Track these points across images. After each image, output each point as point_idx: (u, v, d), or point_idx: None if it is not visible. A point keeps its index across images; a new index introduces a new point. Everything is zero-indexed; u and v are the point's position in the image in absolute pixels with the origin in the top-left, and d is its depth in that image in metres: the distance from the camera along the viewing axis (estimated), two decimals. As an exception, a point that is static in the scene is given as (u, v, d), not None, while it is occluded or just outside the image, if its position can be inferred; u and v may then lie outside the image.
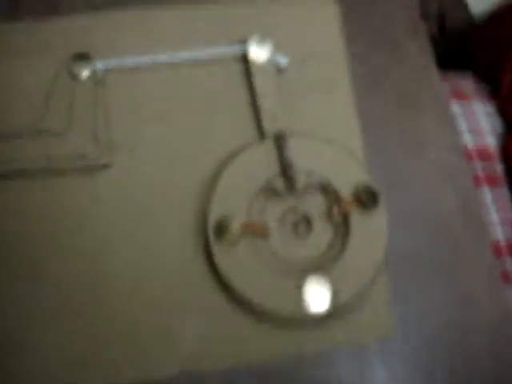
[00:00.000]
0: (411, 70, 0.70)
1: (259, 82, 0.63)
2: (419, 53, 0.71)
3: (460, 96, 0.85)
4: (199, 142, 0.63)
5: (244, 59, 0.65)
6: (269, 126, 0.61)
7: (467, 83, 0.88)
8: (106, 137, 0.61)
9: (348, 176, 0.60)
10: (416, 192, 0.65)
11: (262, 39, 0.63)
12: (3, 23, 0.67)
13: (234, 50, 0.64)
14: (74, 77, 0.62)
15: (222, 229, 0.57)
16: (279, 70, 0.65)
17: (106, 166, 0.61)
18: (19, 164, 0.60)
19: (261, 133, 0.62)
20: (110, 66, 0.63)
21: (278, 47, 0.64)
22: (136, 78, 0.64)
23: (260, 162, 0.60)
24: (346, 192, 0.60)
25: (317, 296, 0.56)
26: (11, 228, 0.60)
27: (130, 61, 0.64)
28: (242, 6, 0.68)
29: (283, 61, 0.64)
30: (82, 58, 0.63)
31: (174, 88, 0.64)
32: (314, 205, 0.61)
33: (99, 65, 0.63)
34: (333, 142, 0.61)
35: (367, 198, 0.59)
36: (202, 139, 0.63)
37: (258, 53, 0.63)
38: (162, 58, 0.64)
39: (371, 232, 0.59)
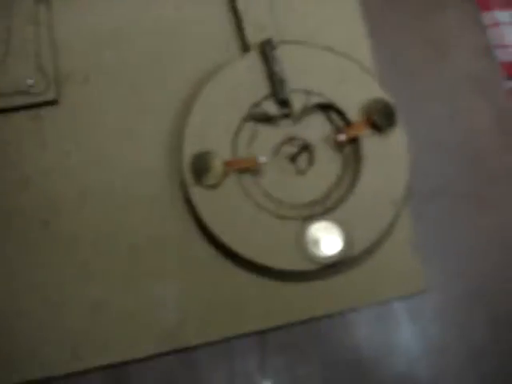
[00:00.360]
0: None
1: None
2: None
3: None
4: (168, 63, 0.51)
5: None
6: (253, 35, 0.49)
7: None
8: (52, 66, 0.49)
9: (355, 91, 0.48)
10: (440, 107, 0.53)
11: None
12: None
13: None
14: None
15: (200, 168, 0.45)
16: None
17: (53, 103, 0.49)
18: None
19: (244, 44, 0.50)
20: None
21: None
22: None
23: (244, 82, 0.47)
24: (353, 111, 0.48)
25: (325, 246, 0.45)
26: None
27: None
28: None
29: None
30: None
31: (136, 2, 0.52)
32: (315, 131, 0.49)
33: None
34: (334, 51, 0.49)
35: (381, 117, 0.47)
36: (171, 60, 0.51)
37: None
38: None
39: (388, 160, 0.47)
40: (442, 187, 0.52)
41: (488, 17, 0.63)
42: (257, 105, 0.47)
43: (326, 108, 0.49)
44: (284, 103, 0.47)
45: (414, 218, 0.50)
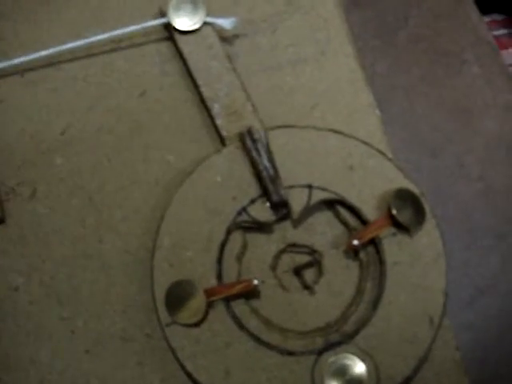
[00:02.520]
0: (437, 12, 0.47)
1: (198, 64, 0.41)
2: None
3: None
4: (134, 167, 0.41)
5: (171, 36, 0.42)
6: (227, 126, 0.39)
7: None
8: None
9: (369, 181, 0.38)
10: (473, 184, 0.43)
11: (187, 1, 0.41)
12: None
13: (150, 24, 0.42)
14: None
15: (176, 303, 0.35)
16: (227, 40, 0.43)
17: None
18: None
19: (221, 139, 0.40)
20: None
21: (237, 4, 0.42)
22: (30, 87, 0.42)
23: (224, 183, 0.37)
24: (369, 206, 0.38)
25: (348, 385, 0.34)
26: None
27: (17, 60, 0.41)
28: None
29: (227, 24, 0.41)
30: None
31: (88, 93, 0.42)
32: (322, 233, 0.39)
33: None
34: (337, 132, 0.39)
35: (405, 213, 0.37)
36: (138, 162, 0.41)
37: (185, 21, 0.41)
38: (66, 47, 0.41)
39: (418, 265, 0.37)
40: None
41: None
42: (244, 210, 0.37)
43: (334, 204, 0.38)
44: (280, 205, 0.37)
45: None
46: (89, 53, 0.42)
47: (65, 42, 0.41)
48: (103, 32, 0.41)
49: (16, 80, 0.42)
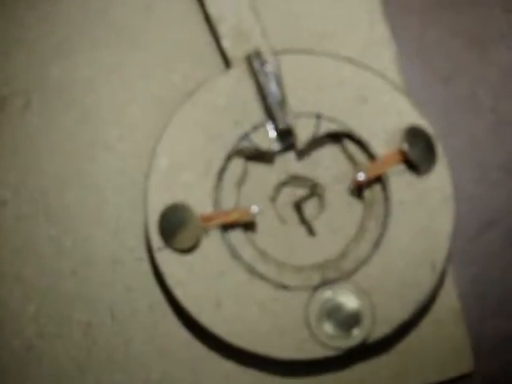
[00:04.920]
0: None
1: None
2: None
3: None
4: (133, 84, 0.38)
5: None
6: (234, 47, 0.36)
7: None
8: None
9: (381, 115, 0.36)
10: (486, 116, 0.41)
11: None
12: None
13: None
14: None
15: (170, 227, 0.33)
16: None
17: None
18: None
19: (225, 58, 0.37)
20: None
21: None
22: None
23: (227, 106, 0.35)
24: (378, 142, 0.35)
25: (342, 324, 0.33)
26: None
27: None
28: None
29: None
30: None
31: (91, 4, 0.39)
32: (327, 167, 0.37)
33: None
34: (351, 60, 0.36)
35: (416, 151, 0.35)
36: (137, 80, 0.38)
37: None
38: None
39: (426, 207, 0.35)
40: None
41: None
42: (246, 136, 0.35)
43: (341, 137, 0.36)
44: (285, 133, 0.35)
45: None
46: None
47: None
48: None
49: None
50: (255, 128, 0.35)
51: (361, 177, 0.35)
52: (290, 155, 0.37)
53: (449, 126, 0.41)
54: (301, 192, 0.37)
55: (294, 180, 0.37)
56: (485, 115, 0.41)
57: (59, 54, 0.39)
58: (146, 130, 0.37)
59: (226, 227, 0.34)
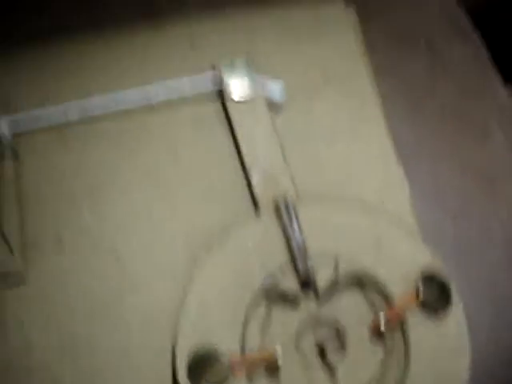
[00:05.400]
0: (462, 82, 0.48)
1: (244, 130, 0.41)
2: (468, 61, 0.49)
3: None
4: (162, 225, 0.40)
5: (222, 101, 0.43)
6: (264, 193, 0.39)
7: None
8: (17, 232, 0.39)
9: (397, 259, 0.38)
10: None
11: (245, 68, 0.42)
12: None
13: (205, 87, 0.42)
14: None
15: (199, 370, 0.34)
16: (275, 108, 0.43)
17: (18, 277, 0.39)
18: None
19: (254, 201, 0.40)
20: (24, 129, 0.41)
21: (272, 73, 0.43)
22: (66, 141, 0.42)
23: (255, 250, 0.37)
24: (395, 285, 0.37)
25: None
26: None
27: (47, 112, 0.42)
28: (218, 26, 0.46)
29: (278, 94, 0.42)
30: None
31: (122, 150, 0.42)
32: (347, 310, 0.38)
33: (5, 127, 0.41)
34: (367, 205, 0.39)
35: (433, 295, 0.37)
36: (167, 221, 0.40)
37: (240, 89, 0.42)
38: (97, 104, 0.42)
39: (443, 349, 0.36)
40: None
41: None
42: (271, 278, 0.37)
43: (360, 281, 0.38)
44: (307, 277, 0.37)
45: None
46: (127, 108, 0.42)
47: (104, 99, 0.42)
48: (142, 94, 0.42)
49: (53, 135, 0.42)
50: (281, 271, 0.37)
51: (379, 320, 0.36)
52: (312, 297, 0.38)
53: (462, 260, 0.42)
54: (323, 333, 0.38)
55: (316, 323, 0.38)
56: (497, 248, 0.43)
57: (90, 198, 0.41)
58: (173, 272, 0.39)
59: (252, 370, 0.35)
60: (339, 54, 0.45)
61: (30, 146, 0.42)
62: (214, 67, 0.43)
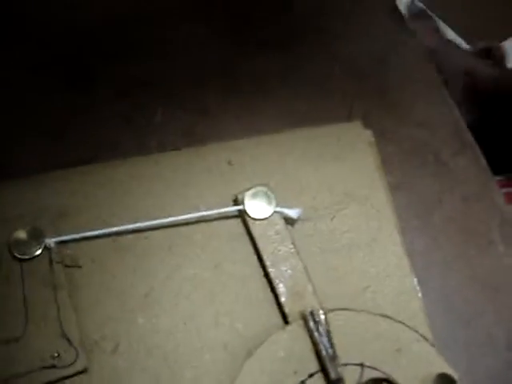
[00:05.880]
0: (466, 193, 0.54)
1: (266, 247, 0.47)
2: (470, 170, 0.56)
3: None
4: (206, 331, 0.46)
5: (244, 220, 0.49)
6: (291, 306, 0.45)
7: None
8: (78, 333, 0.45)
9: (414, 365, 0.43)
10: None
11: (261, 192, 0.48)
12: None
13: (228, 210, 0.49)
14: (22, 259, 0.46)
15: None
16: (293, 224, 0.50)
17: (81, 373, 0.44)
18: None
19: (282, 314, 0.46)
20: (68, 238, 0.47)
21: (302, 193, 0.49)
22: (120, 251, 0.48)
23: (286, 359, 0.43)
24: (412, 387, 0.42)
25: None
26: None
27: (108, 229, 0.48)
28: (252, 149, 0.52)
29: (294, 214, 0.48)
30: (30, 233, 0.47)
31: (170, 260, 0.48)
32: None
33: (53, 240, 0.47)
34: (388, 317, 0.44)
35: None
36: (209, 328, 0.46)
37: (259, 210, 0.48)
38: (149, 222, 0.48)
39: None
40: None
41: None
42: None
43: (382, 382, 0.43)
44: (335, 382, 0.42)
45: None
46: (173, 225, 0.49)
47: (153, 215, 0.48)
48: (185, 209, 0.48)
49: (108, 244, 0.48)
50: (311, 376, 0.42)
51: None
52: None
53: (471, 366, 0.47)
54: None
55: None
56: (502, 353, 0.48)
57: (144, 304, 0.47)
58: (217, 375, 0.44)
59: None
60: (359, 172, 0.52)
61: (87, 253, 0.48)
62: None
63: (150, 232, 0.49)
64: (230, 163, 0.51)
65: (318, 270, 0.47)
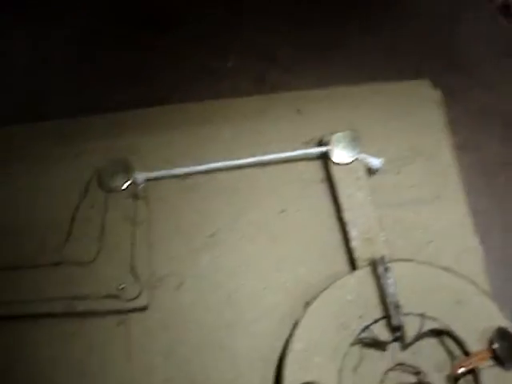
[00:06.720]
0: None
1: (345, 192, 0.48)
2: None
3: None
4: (269, 274, 0.47)
5: (326, 164, 0.50)
6: (362, 251, 0.46)
7: None
8: (146, 268, 0.46)
9: (473, 317, 0.43)
10: None
11: (348, 137, 0.49)
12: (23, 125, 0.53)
13: (312, 152, 0.49)
14: (108, 190, 0.48)
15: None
16: (371, 173, 0.50)
17: (143, 309, 0.46)
18: (30, 307, 0.45)
19: (351, 259, 0.46)
20: (155, 175, 0.49)
21: (370, 145, 0.49)
22: (189, 190, 0.50)
23: (353, 303, 0.43)
24: (471, 340, 0.43)
25: None
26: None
27: (179, 170, 0.49)
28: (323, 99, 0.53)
29: (376, 163, 0.49)
30: (119, 166, 0.49)
31: (237, 202, 0.49)
32: (427, 357, 0.44)
33: (140, 175, 0.48)
34: (449, 270, 0.45)
35: (504, 349, 0.42)
36: (273, 271, 0.47)
37: (343, 155, 0.48)
38: (221, 163, 0.49)
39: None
40: None
41: None
42: (367, 328, 0.43)
43: (441, 334, 0.44)
44: (397, 328, 0.43)
45: None
46: (241, 167, 0.49)
47: (221, 157, 0.49)
48: (254, 153, 0.49)
49: (177, 184, 0.49)
50: (375, 322, 0.43)
51: (460, 370, 0.42)
52: (397, 345, 0.44)
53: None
54: (405, 377, 0.44)
55: (400, 366, 0.44)
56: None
57: (209, 244, 0.48)
58: (278, 316, 0.45)
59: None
60: (426, 130, 0.52)
61: (157, 193, 0.49)
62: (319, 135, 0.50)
63: (217, 174, 0.50)
64: (299, 112, 0.51)
65: (384, 222, 0.48)
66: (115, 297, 0.45)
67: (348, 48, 0.57)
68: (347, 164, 0.48)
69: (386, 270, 0.43)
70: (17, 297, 0.45)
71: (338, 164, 0.48)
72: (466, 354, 0.43)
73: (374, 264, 0.44)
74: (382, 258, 0.44)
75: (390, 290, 0.43)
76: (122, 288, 0.45)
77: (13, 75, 0.57)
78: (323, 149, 0.49)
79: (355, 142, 0.49)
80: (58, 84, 0.56)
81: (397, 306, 0.42)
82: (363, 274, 0.44)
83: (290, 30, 0.58)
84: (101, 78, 0.56)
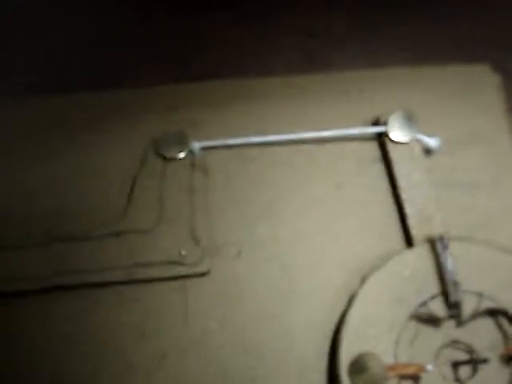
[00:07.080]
0: None
1: (402, 171, 0.48)
2: None
3: None
4: (324, 248, 0.48)
5: (383, 143, 0.50)
6: (418, 229, 0.46)
7: None
8: (206, 236, 0.47)
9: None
10: None
11: (405, 117, 0.49)
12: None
13: (370, 130, 0.50)
14: (166, 159, 0.49)
15: (358, 371, 0.41)
16: (428, 154, 0.50)
17: (204, 274, 0.46)
18: (93, 277, 0.46)
19: (407, 237, 0.47)
20: (212, 144, 0.50)
21: (426, 126, 0.49)
22: (246, 162, 0.50)
23: (411, 278, 0.44)
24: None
25: None
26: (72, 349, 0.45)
27: (237, 140, 0.50)
28: (380, 79, 0.53)
29: (433, 143, 0.49)
30: (176, 136, 0.49)
31: (293, 176, 0.50)
32: (482, 336, 0.44)
33: (197, 145, 0.49)
34: (506, 250, 0.45)
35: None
36: (329, 245, 0.48)
37: (400, 134, 0.49)
38: (278, 137, 0.49)
39: None
40: None
41: None
42: (424, 304, 0.43)
43: (497, 313, 0.44)
44: (454, 305, 0.43)
45: None
46: (297, 142, 0.50)
47: (280, 131, 0.50)
48: (313, 129, 0.49)
49: (234, 154, 0.50)
50: (432, 298, 0.43)
51: (510, 348, 0.42)
52: (453, 322, 0.44)
53: None
54: (458, 354, 0.44)
55: (454, 343, 0.44)
56: None
57: (266, 215, 0.48)
58: (333, 289, 0.46)
59: (401, 377, 0.42)
60: (485, 114, 0.52)
61: (214, 163, 0.50)
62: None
63: (275, 147, 0.50)
64: (360, 91, 0.52)
65: (442, 201, 0.48)
66: (177, 263, 0.46)
67: (405, 27, 0.58)
68: (404, 143, 0.49)
69: (445, 247, 0.44)
70: (79, 267, 0.46)
71: (395, 143, 0.49)
72: (522, 335, 0.43)
73: (432, 241, 0.44)
74: (441, 236, 0.44)
75: (449, 266, 0.43)
76: (184, 254, 0.46)
77: (76, 47, 0.58)
78: (381, 128, 0.49)
79: (412, 122, 0.49)
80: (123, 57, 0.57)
81: (455, 283, 0.43)
82: (421, 250, 0.45)
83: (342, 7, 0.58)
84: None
